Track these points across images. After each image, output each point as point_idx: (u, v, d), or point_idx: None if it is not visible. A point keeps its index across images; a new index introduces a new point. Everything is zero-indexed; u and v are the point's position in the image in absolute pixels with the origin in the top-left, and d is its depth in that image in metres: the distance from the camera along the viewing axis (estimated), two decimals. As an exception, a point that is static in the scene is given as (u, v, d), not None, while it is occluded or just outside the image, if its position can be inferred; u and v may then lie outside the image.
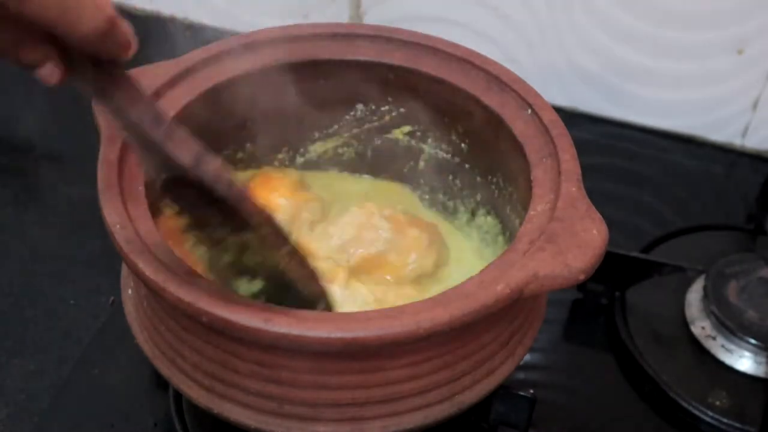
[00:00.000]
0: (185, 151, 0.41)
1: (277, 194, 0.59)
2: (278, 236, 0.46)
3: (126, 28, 0.37)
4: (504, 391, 0.52)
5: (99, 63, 0.38)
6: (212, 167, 0.41)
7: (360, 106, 0.62)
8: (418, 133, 0.62)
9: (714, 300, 0.65)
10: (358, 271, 0.56)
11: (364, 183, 0.66)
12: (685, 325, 0.66)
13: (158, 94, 0.53)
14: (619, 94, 0.86)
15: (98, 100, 0.40)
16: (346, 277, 0.55)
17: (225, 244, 0.45)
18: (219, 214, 0.43)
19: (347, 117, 0.63)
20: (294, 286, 0.47)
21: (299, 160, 0.64)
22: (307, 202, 0.60)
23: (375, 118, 0.62)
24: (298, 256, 0.47)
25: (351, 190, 0.65)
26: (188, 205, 0.43)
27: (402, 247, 0.57)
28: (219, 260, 0.45)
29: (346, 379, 0.44)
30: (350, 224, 0.57)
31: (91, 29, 0.35)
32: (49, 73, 0.37)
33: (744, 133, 0.85)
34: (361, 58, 0.58)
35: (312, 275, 0.48)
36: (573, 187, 0.48)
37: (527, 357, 0.51)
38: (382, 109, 0.62)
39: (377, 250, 0.56)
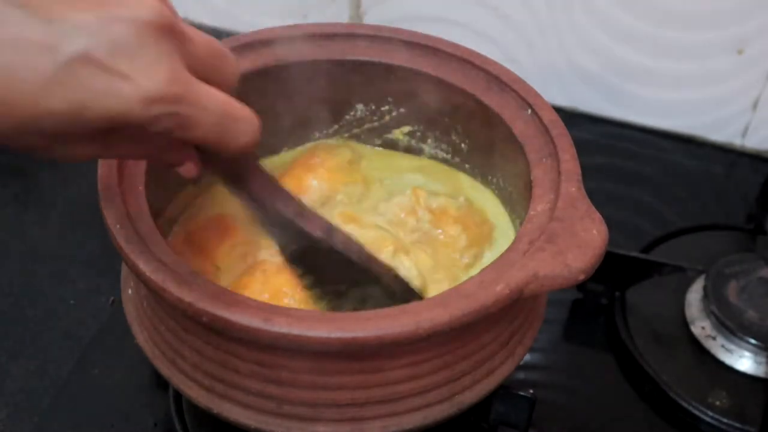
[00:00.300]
0: (315, 225, 0.47)
1: (311, 176, 0.58)
2: (402, 285, 0.51)
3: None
4: (504, 391, 0.52)
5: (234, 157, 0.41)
6: (341, 237, 0.48)
7: (360, 106, 0.62)
8: (418, 133, 0.62)
9: (714, 300, 0.65)
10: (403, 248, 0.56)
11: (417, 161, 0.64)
12: (685, 325, 0.66)
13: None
14: (619, 94, 0.86)
15: (232, 188, 0.45)
16: (393, 250, 0.54)
17: (347, 295, 0.50)
18: (345, 273, 0.49)
19: (347, 117, 0.63)
20: None
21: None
22: (345, 184, 0.59)
23: (375, 118, 0.62)
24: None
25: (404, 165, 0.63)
26: (316, 268, 0.50)
27: (436, 243, 0.56)
28: (340, 309, 0.50)
29: (346, 379, 0.44)
30: (398, 205, 0.57)
31: (243, 145, 0.39)
32: (188, 170, 0.42)
33: (744, 133, 0.85)
34: (361, 58, 0.58)
35: None
36: (573, 187, 0.48)
37: (527, 357, 0.51)
38: (382, 109, 0.62)
39: (410, 240, 0.56)
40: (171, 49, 0.35)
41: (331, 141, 0.63)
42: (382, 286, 0.50)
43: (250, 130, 0.39)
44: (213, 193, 0.58)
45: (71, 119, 0.33)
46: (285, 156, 0.63)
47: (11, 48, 0.32)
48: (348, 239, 0.49)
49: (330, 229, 0.48)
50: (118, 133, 0.36)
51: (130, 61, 0.33)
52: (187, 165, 0.42)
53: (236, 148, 0.39)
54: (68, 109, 0.33)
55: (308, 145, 0.63)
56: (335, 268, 0.49)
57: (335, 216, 0.55)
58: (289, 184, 0.57)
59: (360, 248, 0.49)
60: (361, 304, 0.50)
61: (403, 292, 0.50)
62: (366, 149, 0.64)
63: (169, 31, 0.35)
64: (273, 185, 0.46)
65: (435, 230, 0.56)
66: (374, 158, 0.63)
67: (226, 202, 0.56)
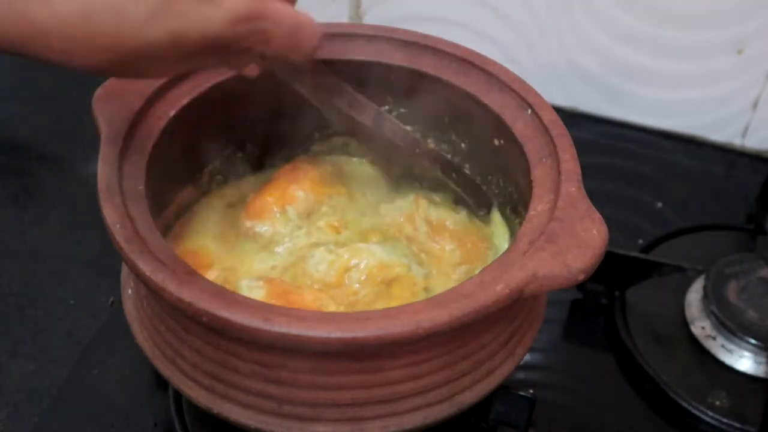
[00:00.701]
0: (366, 114, 0.54)
1: (295, 186, 0.58)
2: (445, 161, 0.60)
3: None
4: (504, 391, 0.52)
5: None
6: (389, 124, 0.55)
7: (360, 106, 0.62)
8: (418, 133, 0.62)
9: (714, 300, 0.65)
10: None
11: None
12: (685, 325, 0.66)
13: (159, 93, 0.53)
14: (619, 94, 0.86)
15: (292, 82, 0.50)
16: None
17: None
18: (395, 155, 0.58)
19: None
20: None
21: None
22: (330, 196, 0.59)
23: (375, 118, 0.62)
24: None
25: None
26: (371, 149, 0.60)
27: (431, 255, 0.56)
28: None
29: (346, 379, 0.44)
30: (399, 210, 0.58)
31: (309, 51, 0.43)
32: (252, 70, 0.47)
33: (744, 133, 0.85)
34: (361, 58, 0.58)
35: None
36: (573, 187, 0.48)
37: (527, 357, 0.51)
38: (382, 109, 0.62)
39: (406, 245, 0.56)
40: None
41: (307, 157, 0.64)
42: (426, 166, 0.58)
43: (314, 36, 0.43)
44: (192, 222, 0.58)
45: (171, 46, 0.37)
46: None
47: None
48: (395, 125, 0.55)
49: (379, 116, 0.54)
50: (204, 51, 0.39)
51: None
52: (252, 67, 0.46)
53: (303, 54, 0.43)
54: (168, 38, 0.37)
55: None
56: (387, 150, 0.57)
57: (323, 226, 0.57)
58: (273, 194, 0.57)
59: (405, 133, 0.56)
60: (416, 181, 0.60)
61: (445, 166, 0.59)
62: (349, 162, 0.64)
63: None
64: (329, 79, 0.51)
65: (431, 241, 0.56)
66: (356, 170, 0.63)
67: (202, 233, 0.57)
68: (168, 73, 0.42)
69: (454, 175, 0.59)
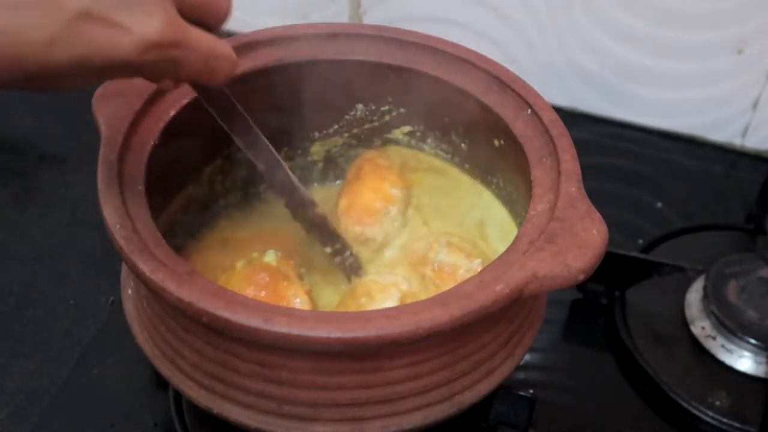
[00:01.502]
0: (261, 159, 0.51)
1: (389, 184, 0.59)
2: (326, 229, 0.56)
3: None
4: (504, 391, 0.52)
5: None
6: (280, 176, 0.52)
7: (360, 106, 0.62)
8: (418, 133, 0.62)
9: (714, 300, 0.65)
10: None
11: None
12: (685, 325, 0.66)
13: (159, 94, 0.53)
14: (619, 94, 0.86)
15: (202, 99, 0.48)
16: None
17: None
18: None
19: (347, 117, 0.63)
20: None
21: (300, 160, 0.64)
22: (415, 185, 0.59)
23: (375, 118, 0.62)
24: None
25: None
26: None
27: (428, 290, 0.56)
28: None
29: (346, 379, 0.44)
30: (417, 242, 0.58)
31: (222, 80, 0.43)
32: (166, 84, 0.45)
33: (744, 133, 0.85)
34: (361, 58, 0.58)
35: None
36: (573, 187, 0.48)
37: (527, 357, 0.51)
38: (382, 109, 0.62)
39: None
40: None
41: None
42: (305, 228, 0.55)
43: (229, 66, 0.42)
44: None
45: (75, 68, 0.36)
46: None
47: (18, 8, 0.34)
48: (285, 180, 0.52)
49: (274, 166, 0.52)
50: (112, 73, 0.39)
51: (129, 13, 0.36)
52: (165, 82, 0.44)
53: (215, 82, 0.43)
54: (72, 61, 0.36)
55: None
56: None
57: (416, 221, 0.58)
58: (373, 196, 0.58)
59: (294, 191, 0.53)
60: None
61: (323, 233, 0.56)
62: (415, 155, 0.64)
63: None
64: (237, 113, 0.49)
65: (434, 281, 0.55)
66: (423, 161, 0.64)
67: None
68: (78, 86, 0.41)
69: (334, 245, 0.56)
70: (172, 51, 0.38)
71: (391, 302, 0.51)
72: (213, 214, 0.61)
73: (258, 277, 0.51)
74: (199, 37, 0.40)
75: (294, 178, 0.53)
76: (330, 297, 0.55)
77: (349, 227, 0.58)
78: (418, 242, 0.57)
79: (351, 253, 0.56)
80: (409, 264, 0.56)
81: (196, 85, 0.47)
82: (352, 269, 0.56)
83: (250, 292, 0.50)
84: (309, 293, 0.52)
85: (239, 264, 0.53)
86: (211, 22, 0.41)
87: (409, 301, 0.52)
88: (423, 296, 0.53)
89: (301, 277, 0.54)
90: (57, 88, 0.39)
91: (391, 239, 0.58)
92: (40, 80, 0.37)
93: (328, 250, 0.56)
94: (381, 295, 0.52)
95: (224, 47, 0.42)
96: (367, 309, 0.51)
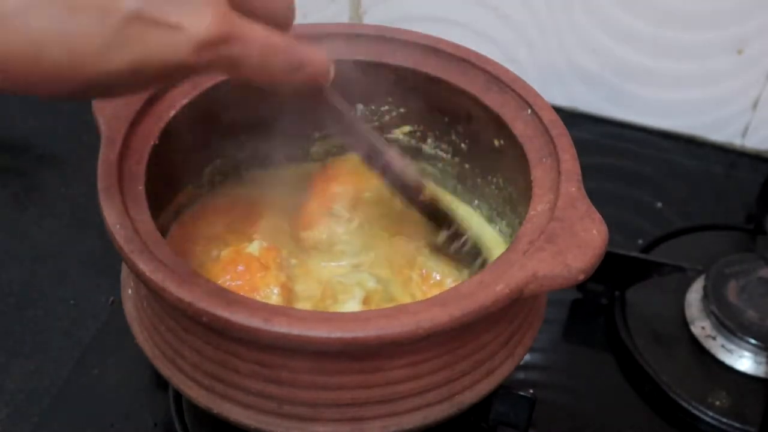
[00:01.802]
0: (358, 148, 0.50)
1: (334, 184, 0.58)
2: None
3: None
4: (504, 391, 0.52)
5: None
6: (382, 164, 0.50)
7: (360, 106, 0.62)
8: (418, 133, 0.62)
9: (714, 300, 0.65)
10: None
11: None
12: (685, 325, 0.66)
13: (159, 94, 0.53)
14: (619, 94, 0.86)
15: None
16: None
17: None
18: None
19: (347, 117, 0.62)
20: None
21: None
22: (368, 180, 0.58)
23: (375, 118, 0.62)
24: None
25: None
26: None
27: (409, 292, 0.56)
28: None
29: (346, 379, 0.44)
30: (404, 246, 0.58)
31: (286, 79, 0.40)
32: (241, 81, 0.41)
33: (744, 133, 0.85)
34: (361, 58, 0.58)
35: None
36: (573, 187, 0.48)
37: (527, 357, 0.51)
38: (382, 109, 0.62)
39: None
40: None
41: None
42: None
43: (290, 61, 0.39)
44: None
45: (132, 74, 0.35)
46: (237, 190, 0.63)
47: (67, 14, 0.33)
48: (387, 167, 0.50)
49: (371, 155, 0.50)
50: (170, 76, 0.38)
51: (179, 10, 0.34)
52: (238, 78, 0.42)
53: (279, 81, 0.40)
54: (128, 67, 0.34)
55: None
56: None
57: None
58: (317, 200, 0.58)
59: (398, 178, 0.51)
60: None
61: (437, 216, 0.54)
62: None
63: None
64: (325, 107, 0.47)
65: (420, 287, 0.55)
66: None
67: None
68: (136, 93, 0.40)
69: (450, 227, 0.55)
70: (230, 47, 0.36)
71: (353, 303, 0.51)
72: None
73: (235, 267, 0.51)
74: (253, 30, 0.37)
75: (399, 163, 0.50)
76: (314, 290, 0.55)
77: (300, 237, 0.58)
78: (406, 245, 0.57)
79: (468, 238, 0.54)
80: (390, 266, 0.56)
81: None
82: (470, 256, 0.55)
83: (225, 281, 0.51)
84: (285, 285, 0.52)
85: (223, 252, 0.53)
86: (274, 15, 0.39)
87: (376, 301, 0.52)
88: (399, 298, 0.53)
89: (284, 269, 0.54)
90: (114, 95, 0.38)
91: (345, 236, 0.57)
92: (97, 89, 0.36)
93: (444, 235, 0.54)
94: (344, 296, 0.52)
95: (285, 42, 0.39)
96: (332, 311, 0.51)
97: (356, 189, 0.58)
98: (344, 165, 0.60)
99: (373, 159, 0.50)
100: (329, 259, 0.57)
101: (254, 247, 0.53)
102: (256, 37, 0.37)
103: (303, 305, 0.53)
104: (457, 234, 0.54)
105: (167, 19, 0.34)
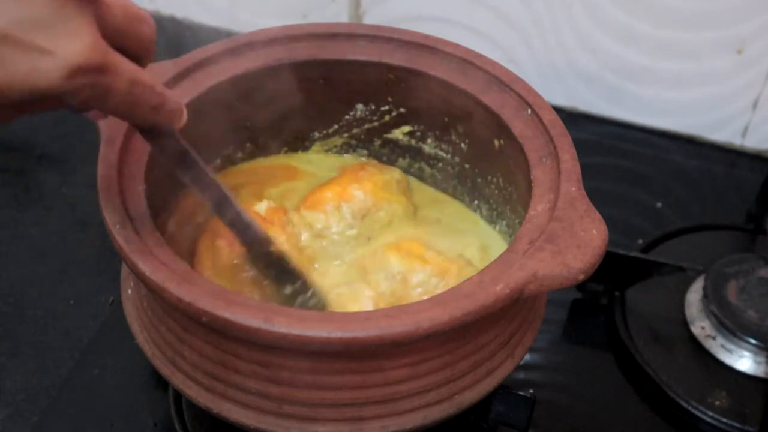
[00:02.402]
0: (208, 193, 0.46)
1: (357, 186, 0.58)
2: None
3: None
4: (504, 391, 0.52)
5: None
6: (232, 212, 0.48)
7: (360, 106, 0.62)
8: (418, 133, 0.62)
9: (714, 300, 0.65)
10: None
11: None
12: (685, 325, 0.66)
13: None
14: (619, 94, 0.86)
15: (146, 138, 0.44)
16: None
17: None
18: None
19: (347, 117, 0.63)
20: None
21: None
22: (389, 202, 0.59)
23: (375, 118, 0.62)
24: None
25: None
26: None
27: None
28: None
29: (346, 379, 0.44)
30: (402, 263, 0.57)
31: (148, 117, 0.40)
32: (95, 115, 0.42)
33: (744, 133, 0.85)
34: (361, 58, 0.58)
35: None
36: (573, 187, 0.48)
37: (527, 357, 0.51)
38: (382, 109, 0.62)
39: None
40: (89, 17, 0.34)
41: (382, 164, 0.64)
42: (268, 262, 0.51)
43: (155, 98, 0.39)
44: None
45: None
46: (283, 158, 0.63)
47: None
48: (236, 217, 0.48)
49: (224, 201, 0.47)
50: (35, 103, 0.36)
51: (51, 35, 0.33)
52: (94, 112, 0.41)
53: (140, 117, 0.39)
54: None
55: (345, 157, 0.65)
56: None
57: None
58: (333, 189, 0.58)
59: (247, 229, 0.49)
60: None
61: (282, 271, 0.52)
62: (423, 186, 0.64)
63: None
64: (177, 146, 0.44)
65: (391, 289, 0.55)
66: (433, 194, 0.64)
67: None
68: (4, 120, 0.38)
69: (294, 283, 0.52)
70: (101, 76, 0.35)
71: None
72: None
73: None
74: (124, 62, 0.36)
75: (245, 214, 0.49)
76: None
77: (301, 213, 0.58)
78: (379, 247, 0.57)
79: (314, 293, 0.52)
80: (358, 270, 0.56)
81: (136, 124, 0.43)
82: (316, 309, 0.53)
83: (221, 243, 0.51)
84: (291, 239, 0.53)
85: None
86: (136, 45, 0.38)
87: (378, 304, 0.52)
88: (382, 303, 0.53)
89: (287, 229, 0.54)
90: None
91: (335, 237, 0.57)
92: None
93: (288, 290, 0.52)
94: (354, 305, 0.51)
95: (149, 78, 0.38)
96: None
97: (375, 202, 0.58)
98: (378, 175, 0.60)
99: (222, 207, 0.47)
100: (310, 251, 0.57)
101: (262, 207, 0.54)
102: (126, 69, 0.36)
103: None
104: (303, 288, 0.52)
105: (37, 42, 0.33)
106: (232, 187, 0.55)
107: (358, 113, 0.62)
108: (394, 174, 0.62)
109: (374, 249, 0.57)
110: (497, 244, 0.59)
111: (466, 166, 0.61)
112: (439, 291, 0.51)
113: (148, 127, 0.42)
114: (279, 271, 0.52)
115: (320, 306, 0.52)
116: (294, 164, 0.63)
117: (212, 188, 0.47)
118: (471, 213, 0.62)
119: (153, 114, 0.39)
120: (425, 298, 0.50)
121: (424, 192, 0.64)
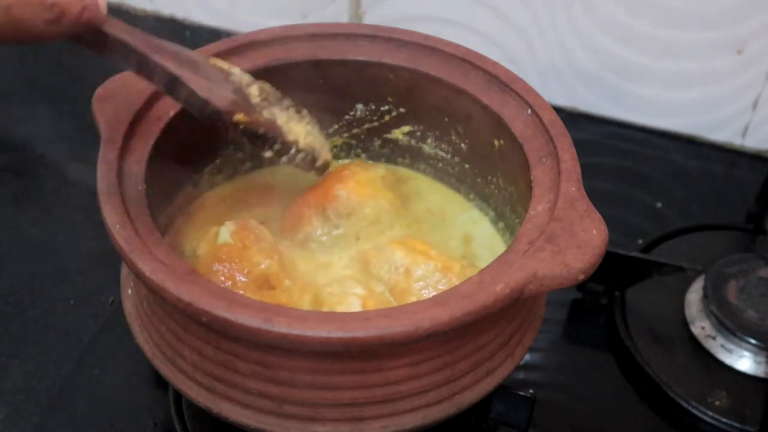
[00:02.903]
0: (157, 81, 0.45)
1: (339, 185, 0.58)
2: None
3: None
4: (504, 391, 0.52)
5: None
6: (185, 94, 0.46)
7: (360, 106, 0.62)
8: (418, 133, 0.62)
9: (714, 300, 0.65)
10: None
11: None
12: (685, 325, 0.66)
13: (159, 93, 0.53)
14: (619, 94, 0.86)
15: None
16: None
17: None
18: None
19: (347, 117, 0.63)
20: None
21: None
22: (375, 198, 0.58)
23: (375, 118, 0.62)
24: None
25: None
26: None
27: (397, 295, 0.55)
28: None
29: (346, 379, 0.44)
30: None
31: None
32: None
33: (744, 133, 0.85)
34: (361, 58, 0.58)
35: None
36: (573, 187, 0.48)
37: (527, 357, 0.51)
38: (382, 109, 0.62)
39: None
40: None
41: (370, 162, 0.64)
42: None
43: (53, 18, 0.38)
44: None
45: None
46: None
47: None
48: (191, 96, 0.47)
49: (171, 84, 0.46)
50: None
51: None
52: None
53: (38, 32, 0.38)
54: None
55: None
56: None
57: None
58: (317, 192, 0.57)
59: (204, 106, 0.47)
60: None
61: (256, 137, 0.50)
62: (412, 174, 0.64)
63: None
64: (109, 41, 0.43)
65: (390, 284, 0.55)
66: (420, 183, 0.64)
67: None
68: None
69: (273, 146, 0.51)
70: None
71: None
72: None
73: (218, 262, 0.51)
74: None
75: (204, 88, 0.46)
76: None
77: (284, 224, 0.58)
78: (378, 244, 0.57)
79: (298, 148, 0.51)
80: (361, 262, 0.56)
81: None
82: (308, 162, 0.53)
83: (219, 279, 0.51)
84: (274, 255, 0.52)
85: (199, 251, 0.53)
86: None
87: (370, 305, 0.52)
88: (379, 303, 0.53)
89: (262, 242, 0.54)
90: None
91: (323, 238, 0.57)
92: None
93: (268, 153, 0.50)
94: (341, 307, 0.51)
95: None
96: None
97: (359, 200, 0.57)
98: (362, 173, 0.59)
99: (174, 89, 0.46)
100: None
101: (224, 236, 0.52)
102: None
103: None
104: (285, 147, 0.51)
105: None
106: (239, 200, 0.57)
107: (358, 113, 0.62)
108: (379, 170, 0.61)
109: (378, 244, 0.56)
110: (484, 233, 0.59)
111: (466, 166, 0.61)
112: (440, 287, 0.51)
113: (74, 38, 0.41)
114: (253, 138, 0.50)
115: (311, 157, 0.52)
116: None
117: (160, 71, 0.45)
118: (463, 201, 0.62)
119: (55, 23, 0.38)
120: (425, 292, 0.50)
121: (420, 181, 0.64)
